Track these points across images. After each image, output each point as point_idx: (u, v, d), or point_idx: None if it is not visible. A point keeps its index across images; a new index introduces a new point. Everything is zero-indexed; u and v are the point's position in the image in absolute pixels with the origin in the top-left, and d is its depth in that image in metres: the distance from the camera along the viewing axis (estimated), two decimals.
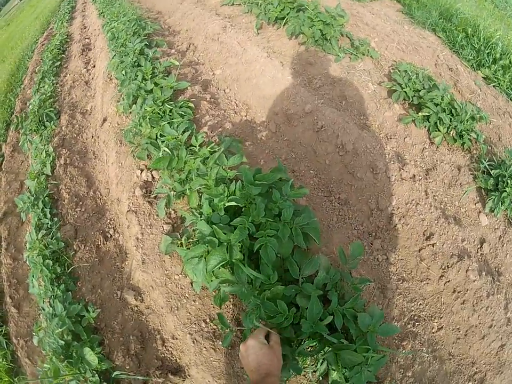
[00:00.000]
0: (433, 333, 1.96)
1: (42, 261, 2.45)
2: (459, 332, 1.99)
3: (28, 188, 3.22)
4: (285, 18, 3.44)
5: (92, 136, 3.56)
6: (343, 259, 1.76)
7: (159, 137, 2.54)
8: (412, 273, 2.12)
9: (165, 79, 3.10)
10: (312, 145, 2.54)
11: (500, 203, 2.43)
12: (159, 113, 2.72)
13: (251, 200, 1.78)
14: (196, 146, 2.32)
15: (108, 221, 2.72)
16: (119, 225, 2.63)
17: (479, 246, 2.35)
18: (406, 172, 2.36)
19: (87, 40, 6.08)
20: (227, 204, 1.78)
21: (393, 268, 2.13)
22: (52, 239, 2.62)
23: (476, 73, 3.60)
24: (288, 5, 3.49)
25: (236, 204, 1.77)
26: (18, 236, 3.08)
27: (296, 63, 3.04)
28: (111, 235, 2.63)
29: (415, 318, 1.98)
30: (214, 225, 1.65)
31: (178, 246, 2.07)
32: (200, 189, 2.02)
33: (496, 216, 2.47)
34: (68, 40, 6.57)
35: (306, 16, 3.24)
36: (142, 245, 2.22)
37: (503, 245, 2.40)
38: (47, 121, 3.92)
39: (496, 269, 2.29)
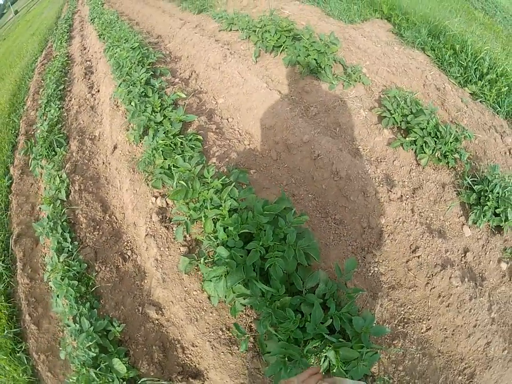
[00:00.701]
0: (422, 333, 2.31)
1: (67, 281, 2.75)
2: (446, 331, 2.32)
3: (45, 212, 3.53)
4: (282, 47, 3.89)
5: (103, 163, 3.96)
6: (338, 273, 2.20)
7: (172, 168, 2.94)
8: (401, 281, 2.49)
9: (174, 111, 3.55)
10: (310, 171, 2.98)
11: (482, 216, 2.79)
12: (171, 146, 3.16)
13: (260, 227, 2.24)
14: (208, 178, 2.73)
15: (125, 243, 3.11)
16: (136, 247, 3.01)
17: (462, 255, 2.69)
18: (394, 193, 2.79)
19: (88, 62, 6.54)
20: (241, 231, 2.23)
21: (384, 278, 2.53)
22: (73, 261, 2.94)
23: (463, 90, 4.03)
24: (285, 33, 3.96)
25: (248, 230, 2.23)
26: (33, 257, 3.39)
27: (293, 92, 3.50)
28: (129, 256, 3.01)
29: (405, 320, 2.34)
30: (231, 250, 2.12)
31: (198, 265, 2.49)
32: (214, 217, 2.46)
33: (479, 227, 2.82)
34: (69, 62, 7.02)
35: (301, 46, 3.68)
36: (161, 265, 2.63)
37: (486, 253, 2.75)
38: (57, 146, 4.29)
39: (480, 274, 2.65)
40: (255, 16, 4.66)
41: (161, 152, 3.08)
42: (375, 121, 3.28)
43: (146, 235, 2.80)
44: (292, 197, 2.95)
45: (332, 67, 3.59)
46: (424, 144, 3.07)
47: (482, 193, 2.92)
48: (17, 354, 2.75)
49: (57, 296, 2.78)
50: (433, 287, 2.44)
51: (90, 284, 2.87)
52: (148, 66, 4.50)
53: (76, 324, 2.51)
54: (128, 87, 4.06)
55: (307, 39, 3.72)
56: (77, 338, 2.40)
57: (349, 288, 2.27)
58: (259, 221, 2.25)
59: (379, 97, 3.48)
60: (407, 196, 2.89)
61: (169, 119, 3.47)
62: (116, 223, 3.34)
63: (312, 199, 2.94)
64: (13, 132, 5.61)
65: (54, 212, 3.44)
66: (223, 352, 2.24)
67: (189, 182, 2.70)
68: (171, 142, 3.16)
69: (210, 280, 2.19)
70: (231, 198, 2.51)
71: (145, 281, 2.79)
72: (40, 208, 3.76)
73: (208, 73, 4.20)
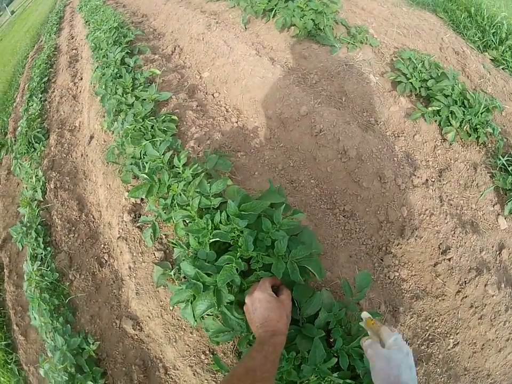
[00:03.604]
0: (448, 350, 1.77)
1: (39, 294, 2.29)
2: (475, 346, 1.80)
3: (22, 215, 3.00)
4: (274, 10, 3.06)
5: (82, 155, 3.25)
6: (348, 293, 1.46)
7: (142, 157, 2.24)
8: (427, 289, 1.87)
9: (146, 90, 2.77)
10: (311, 151, 2.21)
11: None
12: (141, 130, 2.40)
13: (239, 233, 1.45)
14: (179, 167, 1.98)
15: (102, 245, 2.47)
16: (113, 249, 2.38)
17: (497, 253, 2.05)
18: (418, 177, 2.03)
19: (74, 51, 5.74)
20: (211, 240, 1.47)
21: (406, 285, 1.87)
22: (47, 269, 2.42)
23: (483, 55, 3.23)
24: None
25: (219, 239, 1.45)
26: (19, 262, 2.88)
27: (288, 58, 2.69)
28: (106, 260, 2.39)
29: (430, 337, 1.77)
30: (197, 268, 1.33)
31: (168, 280, 1.81)
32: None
33: None
34: (56, 52, 6.25)
35: (296, 6, 2.87)
36: (135, 274, 1.99)
37: None
38: (36, 142, 3.64)
39: None
40: None
41: (130, 139, 2.33)
42: (388, 87, 2.47)
43: (118, 237, 2.14)
44: (289, 184, 2.19)
45: (333, 28, 2.77)
46: (450, 115, 2.28)
47: None
48: (9, 366, 2.47)
49: (33, 309, 2.31)
50: (465, 296, 1.83)
51: (64, 294, 2.33)
52: (125, 45, 3.70)
53: (52, 341, 2.11)
54: (104, 69, 3.30)
55: None
56: (54, 356, 2.02)
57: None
58: (235, 224, 1.45)
59: (391, 60, 2.65)
60: (433, 180, 2.13)
61: (143, 100, 2.69)
62: (93, 222, 2.67)
63: (315, 185, 2.18)
64: (2, 131, 5.04)
65: (30, 215, 2.85)
66: (206, 380, 1.62)
67: (155, 174, 1.96)
68: (141, 126, 2.40)
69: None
70: (200, 193, 1.72)
71: (123, 290, 2.18)
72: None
73: (192, 46, 3.39)
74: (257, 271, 1.36)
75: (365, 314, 1.15)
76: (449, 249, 1.89)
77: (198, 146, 2.33)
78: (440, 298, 1.85)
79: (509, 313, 1.84)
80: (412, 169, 2.09)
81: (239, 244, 1.40)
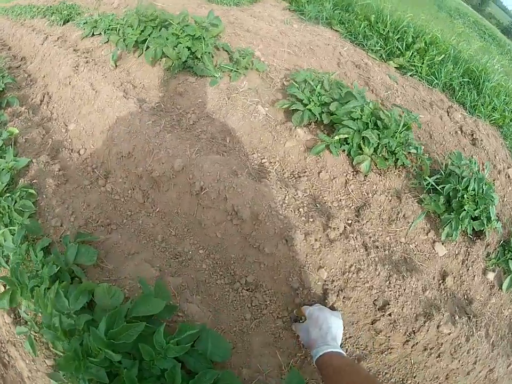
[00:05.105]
0: None
1: None
2: (438, 379, 1.66)
3: None
4: (147, 41, 2.60)
5: None
6: None
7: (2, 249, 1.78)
8: (368, 347, 1.63)
9: (4, 157, 2.20)
10: (193, 214, 1.74)
11: (459, 225, 1.84)
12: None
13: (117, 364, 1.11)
14: (38, 263, 1.57)
15: (0, 344, 1.85)
16: (9, 350, 1.80)
17: (440, 282, 1.85)
18: (334, 228, 1.63)
19: None
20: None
21: (343, 350, 1.46)
22: None
23: (387, 64, 3.01)
24: (150, 23, 2.68)
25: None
26: None
27: (161, 97, 2.23)
28: (8, 361, 1.78)
29: None
30: None
31: None
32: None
33: (455, 239, 1.90)
34: None
35: (170, 33, 2.44)
36: None
37: (468, 269, 1.95)
38: None
39: (465, 296, 1.89)
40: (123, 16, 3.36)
41: None
42: (281, 119, 2.07)
43: (7, 341, 1.70)
44: (174, 259, 1.72)
45: (212, 56, 2.36)
46: (362, 142, 1.92)
47: (452, 194, 1.92)
48: None
49: None
50: (416, 343, 1.61)
51: None
52: None
53: None
54: None
55: (177, 23, 2.48)
56: None
57: None
58: (107, 357, 1.10)
59: (282, 85, 2.26)
60: (350, 223, 1.75)
61: (1, 169, 2.11)
62: None
63: (206, 256, 1.72)
64: None
65: None
66: None
67: (16, 273, 1.56)
68: None
69: None
70: (59, 312, 1.32)
71: None
72: None
73: (60, 93, 2.84)
74: None
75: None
76: (388, 304, 1.59)
77: (61, 225, 1.83)
78: (386, 352, 1.62)
79: (471, 341, 1.65)
80: (324, 219, 1.68)
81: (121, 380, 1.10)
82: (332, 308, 1.54)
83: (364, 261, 1.62)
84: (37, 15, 5.94)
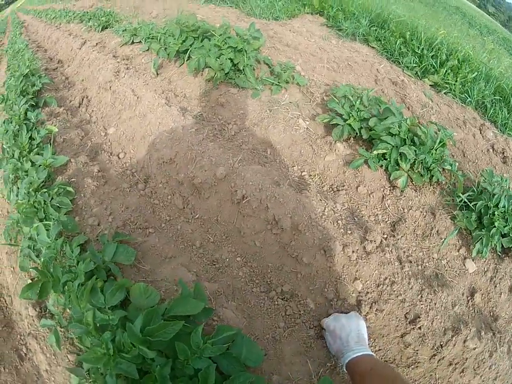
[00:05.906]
0: None
1: None
2: None
3: None
4: (188, 51, 2.68)
5: None
6: None
7: (36, 241, 1.79)
8: (396, 360, 1.61)
9: (42, 153, 2.29)
10: (233, 222, 1.77)
11: (490, 242, 1.85)
12: (34, 207, 1.92)
13: (150, 361, 1.10)
14: (73, 258, 1.57)
15: (19, 336, 1.94)
16: (29, 343, 1.86)
17: (469, 299, 1.83)
18: (371, 241, 1.65)
19: None
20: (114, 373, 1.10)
21: None
22: None
23: (422, 82, 3.02)
24: (191, 33, 2.76)
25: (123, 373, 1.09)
26: None
27: (203, 107, 2.30)
28: (25, 353, 1.85)
29: None
30: None
31: None
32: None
33: (484, 257, 1.91)
34: None
35: (212, 45, 2.51)
36: (53, 379, 1.57)
37: (495, 286, 1.92)
38: None
39: (491, 313, 1.85)
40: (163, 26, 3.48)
41: (23, 217, 1.88)
42: (321, 133, 2.11)
43: (28, 334, 1.74)
44: (211, 265, 1.74)
45: (254, 68, 2.42)
46: (399, 157, 1.94)
47: (484, 211, 1.92)
48: None
49: None
50: (442, 358, 1.60)
51: None
52: (31, 96, 3.21)
53: None
54: (8, 124, 2.79)
55: (219, 35, 2.56)
56: None
57: None
58: (143, 353, 1.08)
59: (322, 100, 2.31)
60: (386, 237, 1.76)
61: (38, 166, 2.21)
62: (6, 308, 2.10)
63: (243, 264, 1.74)
64: None
65: None
66: None
67: (49, 266, 1.55)
68: (34, 201, 1.92)
69: None
70: (92, 305, 1.32)
71: None
72: None
73: (100, 97, 2.94)
74: None
75: None
76: (419, 317, 1.60)
77: (98, 225, 1.87)
78: (412, 366, 1.60)
79: (494, 357, 1.65)
80: (361, 232, 1.70)
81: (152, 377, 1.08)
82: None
83: (398, 274, 1.63)
84: (73, 19, 6.17)
